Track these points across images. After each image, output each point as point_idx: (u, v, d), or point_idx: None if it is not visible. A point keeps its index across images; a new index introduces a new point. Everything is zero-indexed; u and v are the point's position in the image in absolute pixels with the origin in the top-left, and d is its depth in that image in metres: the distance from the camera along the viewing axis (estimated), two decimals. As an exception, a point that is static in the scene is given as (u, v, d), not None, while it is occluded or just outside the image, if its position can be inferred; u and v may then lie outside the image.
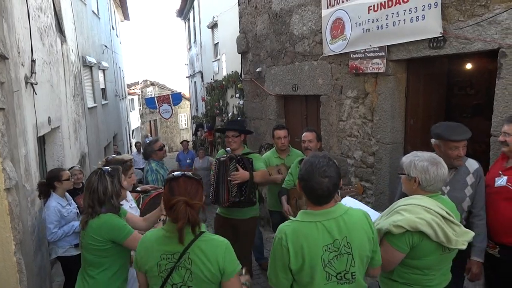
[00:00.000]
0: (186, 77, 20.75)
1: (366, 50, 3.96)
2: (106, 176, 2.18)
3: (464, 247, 1.80)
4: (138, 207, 3.10)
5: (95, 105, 9.62)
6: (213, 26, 12.42)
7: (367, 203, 4.23)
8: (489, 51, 2.87)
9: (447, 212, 1.81)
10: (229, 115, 9.57)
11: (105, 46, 12.75)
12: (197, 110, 17.29)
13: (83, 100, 7.96)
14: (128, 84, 24.86)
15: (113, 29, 15.99)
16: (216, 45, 12.67)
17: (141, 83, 30.36)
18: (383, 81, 3.88)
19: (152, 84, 31.23)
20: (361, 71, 4.09)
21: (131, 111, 22.96)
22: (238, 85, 8.23)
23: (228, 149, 3.62)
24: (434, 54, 3.24)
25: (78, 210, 3.77)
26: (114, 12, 17.49)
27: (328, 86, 4.74)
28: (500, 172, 2.40)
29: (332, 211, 1.65)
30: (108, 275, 2.16)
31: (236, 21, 7.59)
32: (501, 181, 2.35)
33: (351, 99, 4.36)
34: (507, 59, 2.69)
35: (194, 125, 16.99)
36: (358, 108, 4.28)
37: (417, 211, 1.78)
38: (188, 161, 9.39)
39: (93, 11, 10.75)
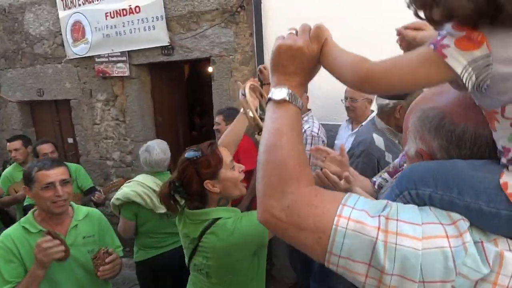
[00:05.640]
0: None
1: (110, 54, 4.12)
2: None
3: (163, 211, 2.16)
4: None
5: None
6: None
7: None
8: (205, 59, 3.61)
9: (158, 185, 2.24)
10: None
11: None
12: None
13: None
14: None
15: None
16: None
17: None
18: (129, 83, 4.15)
19: None
20: (108, 75, 4.22)
21: None
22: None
23: None
24: (166, 60, 3.77)
25: None
26: None
27: (77, 90, 4.61)
28: None
29: None
30: None
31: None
32: None
33: (101, 102, 4.43)
34: (216, 65, 3.48)
35: None
36: (110, 111, 4.40)
37: (132, 185, 2.23)
38: None
39: None
